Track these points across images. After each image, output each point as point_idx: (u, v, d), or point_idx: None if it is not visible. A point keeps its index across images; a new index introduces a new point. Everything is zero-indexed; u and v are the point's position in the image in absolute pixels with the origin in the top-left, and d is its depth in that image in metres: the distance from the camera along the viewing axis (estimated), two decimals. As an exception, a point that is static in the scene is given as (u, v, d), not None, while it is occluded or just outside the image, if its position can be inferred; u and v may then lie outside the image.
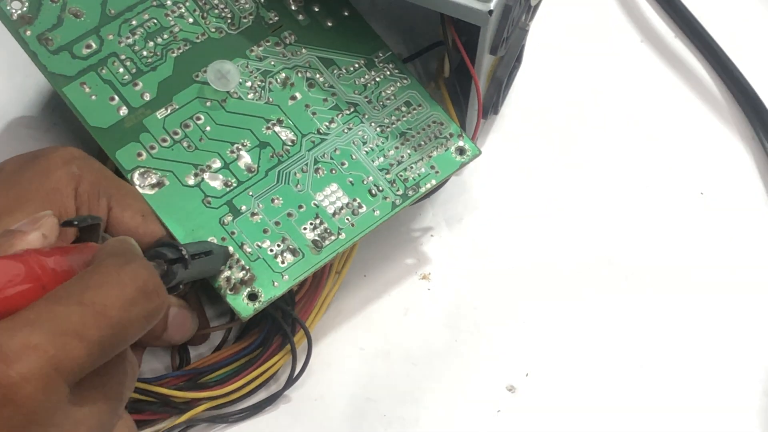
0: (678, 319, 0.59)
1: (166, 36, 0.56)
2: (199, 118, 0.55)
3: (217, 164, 0.54)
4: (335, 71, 0.56)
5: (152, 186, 0.53)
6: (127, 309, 0.40)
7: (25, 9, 0.56)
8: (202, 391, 0.54)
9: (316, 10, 0.58)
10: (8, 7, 0.55)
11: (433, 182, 0.55)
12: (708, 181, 0.63)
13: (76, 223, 0.44)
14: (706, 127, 0.64)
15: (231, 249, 0.53)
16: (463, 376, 0.57)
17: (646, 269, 0.60)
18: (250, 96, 0.55)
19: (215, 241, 0.53)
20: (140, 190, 0.53)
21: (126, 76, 0.55)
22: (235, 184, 0.54)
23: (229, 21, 0.57)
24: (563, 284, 0.59)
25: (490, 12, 0.52)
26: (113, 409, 0.41)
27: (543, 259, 0.60)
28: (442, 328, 0.58)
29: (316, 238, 0.53)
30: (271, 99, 0.56)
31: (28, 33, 0.55)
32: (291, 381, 0.54)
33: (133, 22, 0.56)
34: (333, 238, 0.53)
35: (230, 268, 0.52)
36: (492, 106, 0.60)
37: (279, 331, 0.55)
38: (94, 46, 0.55)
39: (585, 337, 0.58)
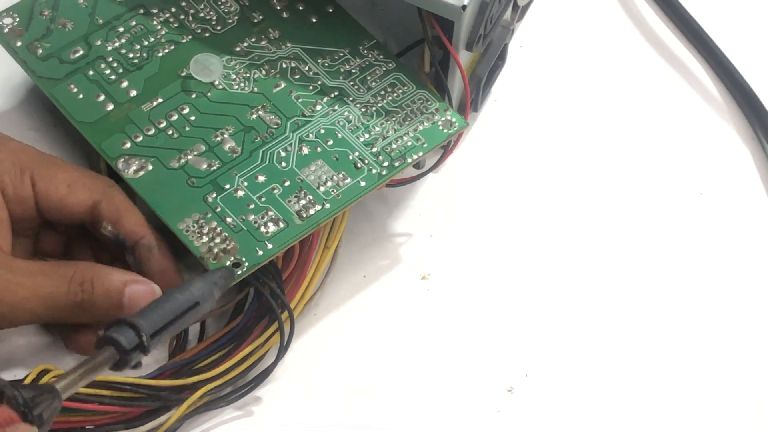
0: (678, 320, 0.57)
1: (152, 39, 0.57)
2: (183, 108, 0.55)
3: (202, 148, 0.54)
4: (320, 60, 0.57)
5: (135, 171, 0.53)
6: None
7: (15, 23, 0.57)
8: (193, 377, 0.52)
9: (301, 8, 0.58)
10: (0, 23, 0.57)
11: (420, 153, 0.54)
12: (708, 181, 0.62)
13: None
14: (706, 128, 0.64)
15: (235, 274, 0.51)
16: (462, 377, 0.55)
17: (646, 269, 0.59)
18: (235, 87, 0.56)
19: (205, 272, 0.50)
20: (125, 176, 0.53)
21: (112, 76, 0.56)
22: (218, 165, 0.54)
23: (213, 22, 0.58)
24: (562, 284, 0.58)
25: (464, 7, 0.53)
26: None
27: (542, 260, 0.59)
28: (441, 328, 0.57)
29: (300, 208, 0.52)
30: (255, 89, 0.56)
31: (18, 44, 0.57)
32: (280, 353, 0.53)
33: (120, 29, 0.57)
34: (318, 207, 0.53)
35: (213, 240, 0.51)
36: (472, 102, 0.60)
37: (267, 311, 0.53)
38: (81, 51, 0.57)
39: (584, 337, 0.57)
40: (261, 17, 0.58)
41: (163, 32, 0.57)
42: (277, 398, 0.54)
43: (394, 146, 0.54)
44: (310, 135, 0.55)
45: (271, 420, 0.54)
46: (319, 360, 0.55)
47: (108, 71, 0.56)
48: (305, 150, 0.54)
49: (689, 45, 0.66)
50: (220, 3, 0.58)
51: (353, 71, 0.56)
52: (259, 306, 0.53)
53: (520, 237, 0.59)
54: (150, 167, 0.53)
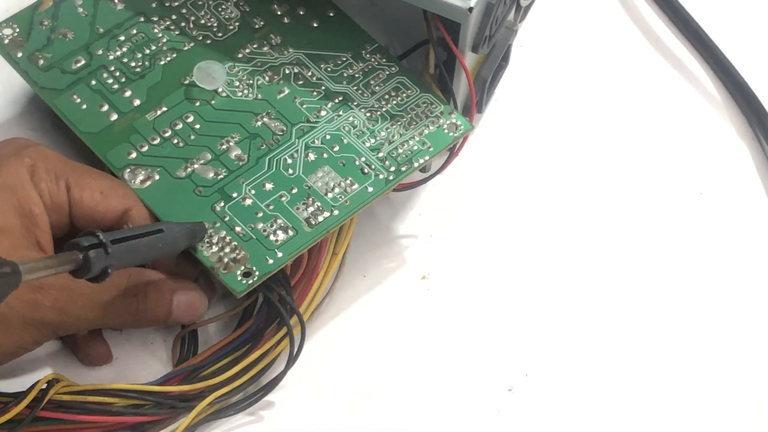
0: (677, 319, 0.58)
1: (153, 47, 0.57)
2: (188, 117, 0.55)
3: (208, 157, 0.54)
4: (322, 65, 0.57)
5: (142, 181, 0.53)
6: None
7: (15, 34, 0.57)
8: (201, 382, 0.52)
9: (302, 13, 0.58)
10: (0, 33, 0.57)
11: (427, 158, 0.54)
12: (708, 181, 0.62)
13: None
14: (706, 128, 0.64)
15: (206, 224, 0.52)
16: (462, 376, 0.56)
17: (646, 269, 0.59)
18: (239, 94, 0.56)
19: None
20: (132, 186, 0.53)
21: (115, 86, 0.56)
22: (225, 174, 0.53)
23: (215, 29, 0.57)
24: (562, 284, 0.58)
25: (470, 9, 0.52)
26: None
27: (542, 259, 0.59)
28: (441, 328, 0.57)
29: (309, 216, 0.52)
30: (259, 95, 0.56)
31: (19, 55, 0.56)
32: (290, 362, 0.53)
33: (121, 38, 0.57)
34: (327, 214, 0.52)
35: (223, 249, 0.51)
36: (477, 104, 0.60)
37: (276, 317, 0.53)
38: (83, 60, 0.56)
39: (584, 337, 0.57)
40: (262, 23, 0.58)
41: (165, 40, 0.57)
42: (286, 403, 0.54)
43: (400, 151, 0.54)
44: (316, 141, 0.54)
45: (282, 425, 0.54)
46: (322, 361, 0.55)
47: (110, 80, 0.56)
48: (311, 156, 0.54)
49: (689, 45, 0.66)
50: (220, 9, 0.58)
51: (356, 75, 0.56)
52: (269, 312, 0.53)
53: (521, 237, 0.60)
54: (157, 177, 0.53)
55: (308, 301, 0.53)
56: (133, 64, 0.56)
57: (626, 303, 0.58)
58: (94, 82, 0.56)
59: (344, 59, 0.57)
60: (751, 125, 0.64)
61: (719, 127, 0.64)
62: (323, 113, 0.55)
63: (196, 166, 0.54)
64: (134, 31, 0.57)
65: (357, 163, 0.54)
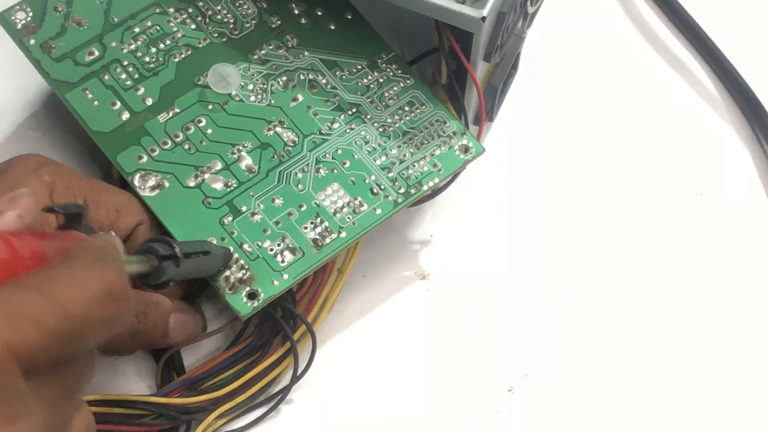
0: (677, 319, 0.58)
1: (168, 42, 0.56)
2: (200, 121, 0.55)
3: (218, 166, 0.54)
4: (338, 73, 0.56)
5: (152, 188, 0.53)
6: (89, 307, 0.38)
7: (29, 19, 0.56)
8: (205, 395, 0.53)
9: (319, 13, 0.57)
10: (13, 18, 0.56)
11: (436, 180, 0.54)
12: (708, 181, 0.62)
13: (57, 209, 0.43)
14: (706, 128, 0.64)
15: (232, 250, 0.52)
16: (462, 377, 0.56)
17: (646, 269, 0.59)
18: (252, 98, 0.55)
19: (215, 241, 0.52)
20: (140, 193, 0.53)
21: (128, 82, 0.55)
22: (235, 185, 0.54)
23: (231, 26, 0.57)
24: (561, 284, 0.59)
25: (483, 18, 0.52)
26: (69, 401, 0.40)
27: (541, 260, 0.59)
28: (441, 329, 0.57)
29: (317, 237, 0.53)
30: (272, 101, 0.55)
31: (32, 42, 0.56)
32: (294, 380, 0.54)
33: (136, 29, 0.56)
34: (334, 236, 0.53)
35: (229, 267, 0.52)
36: (487, 112, 0.59)
37: (280, 331, 0.54)
38: (96, 53, 0.56)
39: (584, 337, 0.58)
40: (279, 22, 0.57)
41: (180, 35, 0.56)
42: (285, 403, 0.55)
43: (410, 172, 0.54)
44: (327, 155, 0.54)
45: (282, 426, 0.55)
46: (321, 361, 0.56)
47: (124, 76, 0.55)
48: (322, 172, 0.54)
49: (689, 45, 0.66)
50: (237, 5, 0.57)
51: (371, 86, 0.56)
52: (273, 325, 0.54)
53: (520, 237, 0.60)
54: (167, 185, 0.53)
55: (312, 316, 0.54)
56: (147, 59, 0.56)
57: (626, 303, 0.58)
58: (107, 77, 0.55)
59: (359, 67, 0.56)
60: (751, 125, 0.64)
61: (719, 127, 0.64)
62: (336, 125, 0.55)
63: (206, 175, 0.54)
64: (149, 23, 0.56)
65: (367, 182, 0.54)
